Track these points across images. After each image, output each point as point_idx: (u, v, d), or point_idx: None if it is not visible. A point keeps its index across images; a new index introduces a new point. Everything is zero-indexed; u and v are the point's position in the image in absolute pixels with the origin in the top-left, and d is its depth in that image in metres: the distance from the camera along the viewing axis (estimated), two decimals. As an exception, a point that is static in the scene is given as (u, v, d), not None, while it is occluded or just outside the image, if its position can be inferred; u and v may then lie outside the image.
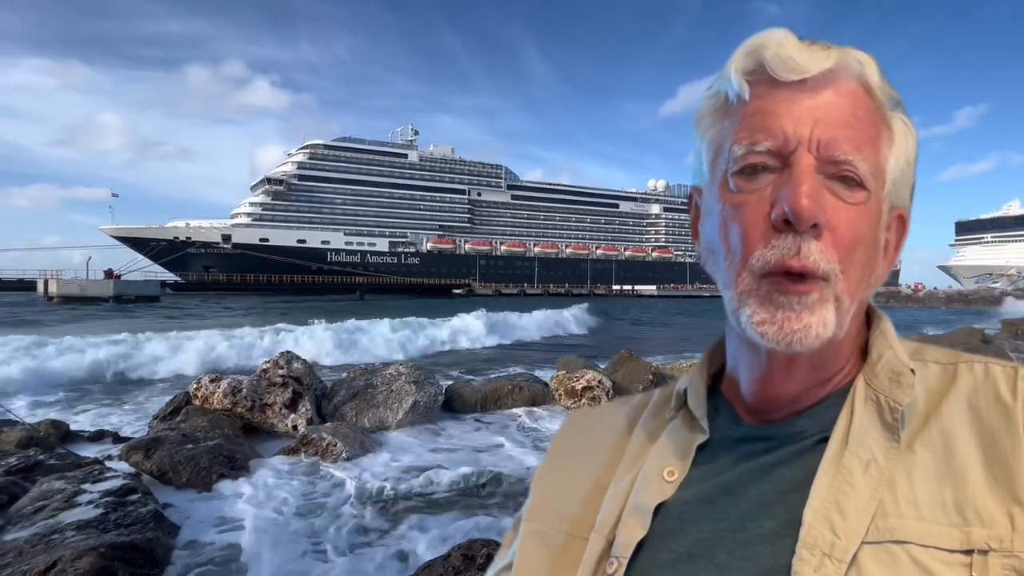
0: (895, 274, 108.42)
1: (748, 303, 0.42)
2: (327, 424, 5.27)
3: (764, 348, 0.42)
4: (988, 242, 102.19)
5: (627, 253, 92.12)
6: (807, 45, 0.42)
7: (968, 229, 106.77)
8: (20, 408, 6.19)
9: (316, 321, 13.35)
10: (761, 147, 0.42)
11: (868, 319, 0.48)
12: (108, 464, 3.93)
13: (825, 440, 0.42)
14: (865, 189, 0.42)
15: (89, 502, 3.10)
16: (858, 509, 0.38)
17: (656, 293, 73.60)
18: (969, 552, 0.36)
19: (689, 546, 0.42)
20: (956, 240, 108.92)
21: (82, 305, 32.01)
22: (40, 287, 39.70)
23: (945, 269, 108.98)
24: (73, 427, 5.35)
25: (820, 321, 0.40)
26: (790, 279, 0.40)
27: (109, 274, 43.32)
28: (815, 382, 0.45)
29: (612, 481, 0.49)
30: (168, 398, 5.94)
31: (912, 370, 0.43)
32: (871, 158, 0.42)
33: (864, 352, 0.46)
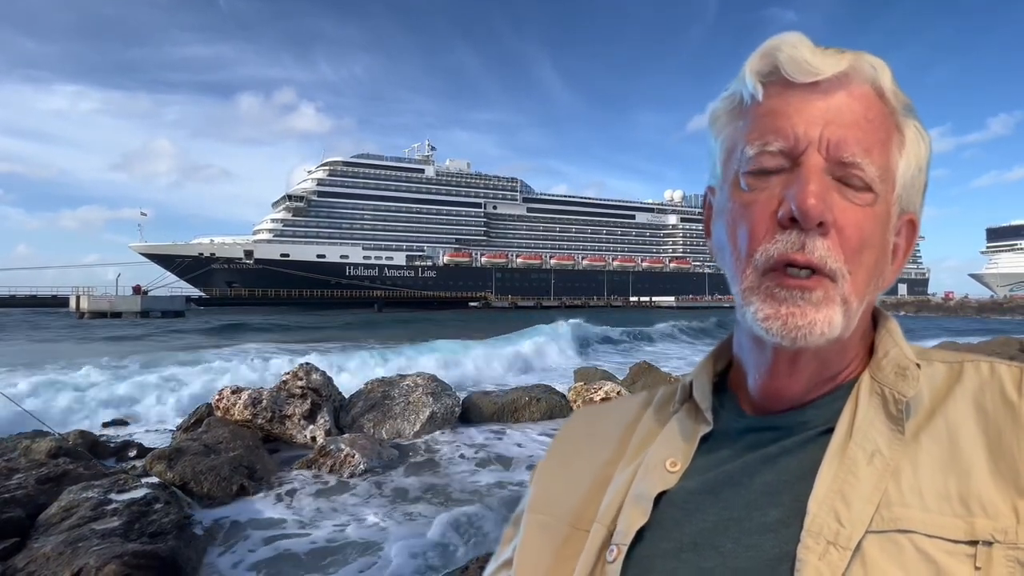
0: (924, 282, 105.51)
1: (753, 299, 0.42)
2: (345, 435, 5.30)
3: (770, 344, 0.43)
4: (1022, 248, 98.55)
5: (644, 264, 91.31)
6: (821, 49, 0.42)
7: (1000, 235, 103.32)
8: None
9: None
10: (772, 147, 0.42)
11: (874, 320, 0.48)
12: (133, 474, 4.00)
13: (829, 431, 0.42)
14: (872, 192, 0.42)
15: (114, 511, 3.16)
16: (863, 499, 0.38)
17: (675, 304, 72.74)
18: (973, 543, 0.36)
19: (693, 535, 0.42)
20: (988, 247, 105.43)
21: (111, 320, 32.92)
22: (72, 303, 40.96)
23: (977, 277, 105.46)
24: (100, 438, 5.48)
25: (826, 319, 0.41)
26: (793, 275, 0.41)
27: (137, 290, 44.48)
28: (820, 379, 0.45)
29: (615, 473, 0.49)
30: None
31: (917, 365, 0.43)
32: (880, 161, 0.42)
33: (870, 352, 0.46)
